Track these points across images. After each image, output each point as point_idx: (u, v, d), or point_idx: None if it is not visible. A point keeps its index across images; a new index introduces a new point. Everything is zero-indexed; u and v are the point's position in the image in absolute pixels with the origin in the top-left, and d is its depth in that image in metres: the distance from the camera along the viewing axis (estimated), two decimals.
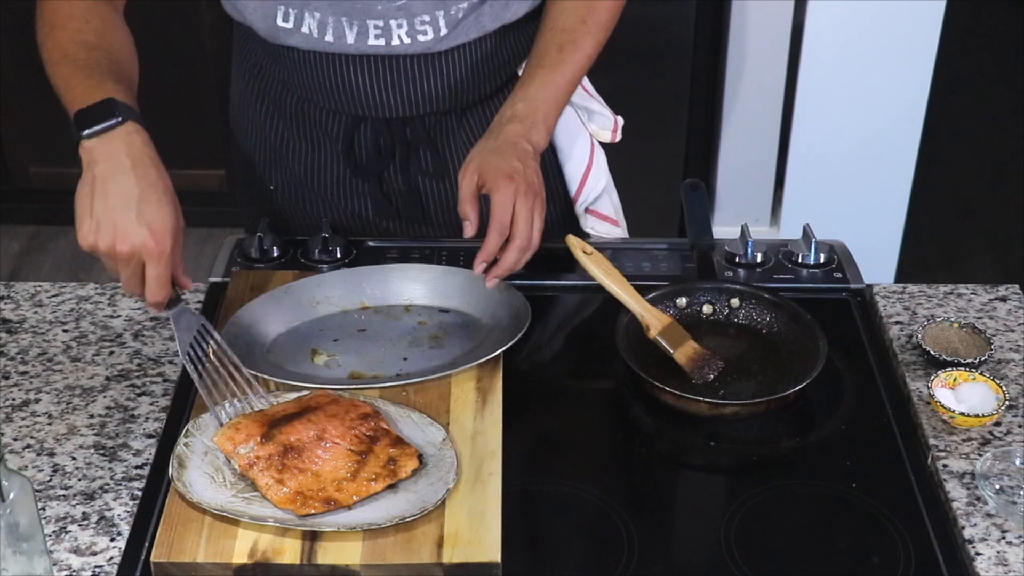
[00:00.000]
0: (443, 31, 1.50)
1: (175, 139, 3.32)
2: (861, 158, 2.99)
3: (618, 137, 1.72)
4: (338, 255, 1.60)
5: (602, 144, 1.72)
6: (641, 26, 2.91)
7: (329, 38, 1.50)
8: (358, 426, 1.25)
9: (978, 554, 1.20)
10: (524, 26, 1.59)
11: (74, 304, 1.54)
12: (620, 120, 1.72)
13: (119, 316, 1.50)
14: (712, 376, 1.40)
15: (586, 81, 1.69)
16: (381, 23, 1.48)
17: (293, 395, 1.33)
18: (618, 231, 1.74)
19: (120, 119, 1.30)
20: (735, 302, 1.50)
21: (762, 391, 1.39)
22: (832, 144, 2.99)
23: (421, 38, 1.49)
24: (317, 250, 1.60)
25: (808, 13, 2.85)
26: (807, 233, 1.63)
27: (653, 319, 1.42)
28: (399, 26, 1.48)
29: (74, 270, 3.34)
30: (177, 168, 3.61)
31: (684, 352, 1.41)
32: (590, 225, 1.71)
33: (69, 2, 1.47)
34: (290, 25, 1.50)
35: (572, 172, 1.67)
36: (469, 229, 1.42)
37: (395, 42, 1.49)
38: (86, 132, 1.31)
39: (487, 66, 1.58)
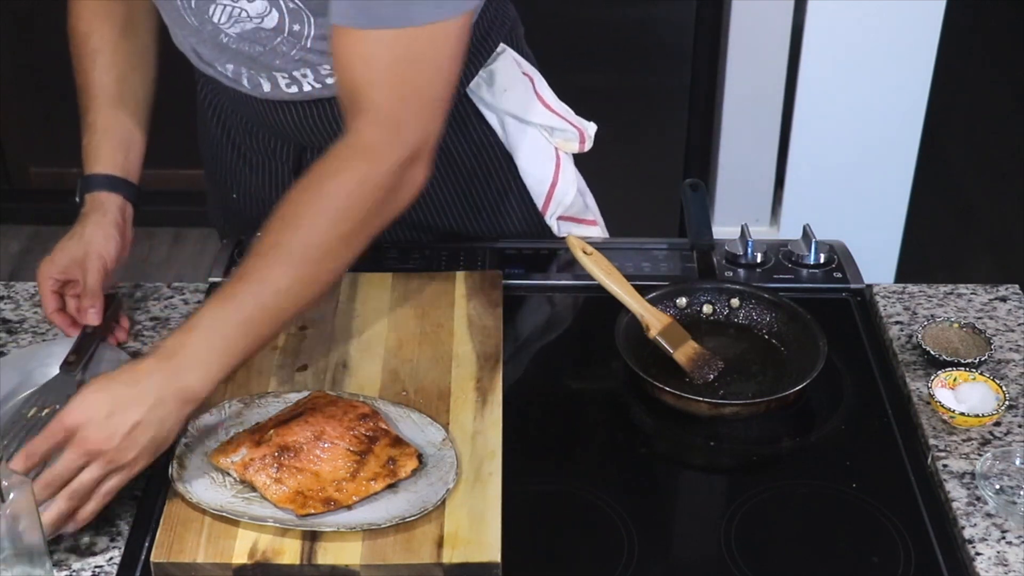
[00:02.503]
0: None
1: (175, 139, 3.33)
2: (861, 158, 2.99)
3: (587, 146, 1.68)
4: None
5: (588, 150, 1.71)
6: (641, 26, 2.91)
7: (246, 86, 1.48)
8: (357, 426, 1.25)
9: (978, 554, 1.20)
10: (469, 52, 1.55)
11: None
12: (591, 128, 1.67)
13: (122, 309, 1.50)
14: (712, 376, 1.40)
15: (549, 96, 1.63)
16: (286, 75, 1.45)
17: (291, 397, 1.32)
18: (597, 231, 1.73)
19: (78, 199, 1.53)
20: (735, 302, 1.50)
21: (762, 391, 1.39)
22: (832, 144, 2.99)
23: (330, 80, 1.44)
24: None
25: (808, 13, 2.85)
26: (807, 233, 1.63)
27: (653, 319, 1.42)
28: (304, 76, 1.45)
29: None
30: (177, 168, 3.62)
31: (684, 352, 1.41)
32: (565, 231, 1.69)
33: (93, 35, 1.57)
34: (210, 71, 1.50)
35: (535, 188, 1.64)
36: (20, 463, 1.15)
37: (307, 88, 1.46)
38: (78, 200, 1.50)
39: None
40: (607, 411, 1.42)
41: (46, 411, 1.33)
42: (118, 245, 1.49)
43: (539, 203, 1.66)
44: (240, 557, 1.15)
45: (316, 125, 1.52)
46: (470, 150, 1.61)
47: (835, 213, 2.84)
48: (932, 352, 1.43)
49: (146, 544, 1.20)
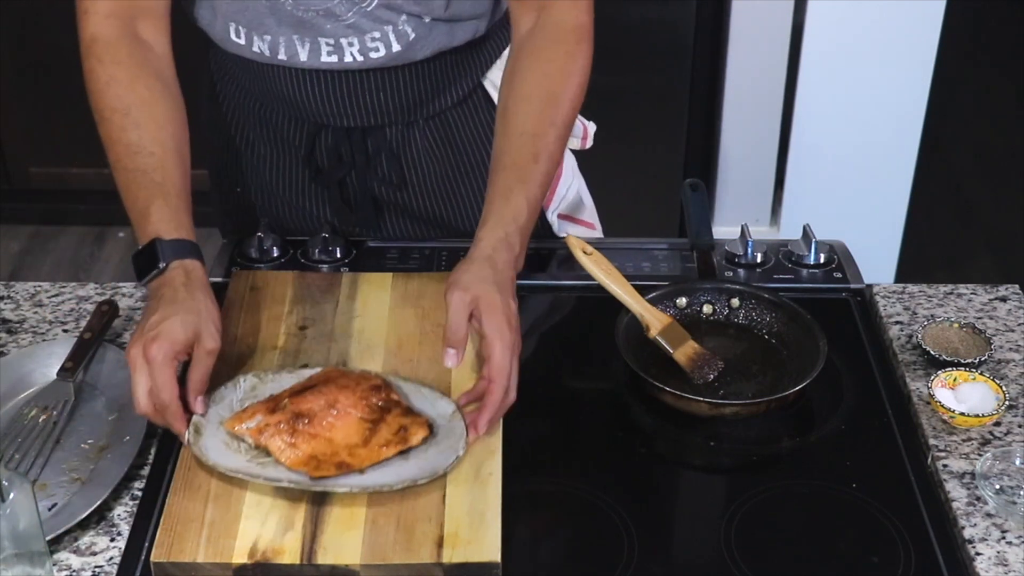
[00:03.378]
0: (395, 48, 1.47)
1: None
2: (861, 158, 2.99)
3: (588, 144, 1.70)
4: (338, 255, 1.60)
5: (582, 150, 1.72)
6: (641, 26, 2.91)
7: (282, 56, 1.49)
8: (370, 397, 1.28)
9: (978, 554, 1.20)
10: (482, 43, 1.57)
11: (74, 304, 1.54)
12: (591, 127, 1.69)
13: (119, 316, 1.50)
14: (712, 376, 1.40)
15: None
16: (332, 41, 1.46)
17: (304, 373, 1.35)
18: (594, 234, 1.74)
19: (163, 266, 1.33)
20: (735, 302, 1.50)
21: (762, 391, 1.39)
22: (832, 144, 2.99)
23: (374, 55, 1.47)
24: (317, 250, 1.60)
25: (808, 13, 2.85)
26: (807, 233, 1.63)
27: (653, 319, 1.42)
28: (350, 44, 1.46)
29: (74, 270, 3.34)
30: None
31: (684, 352, 1.41)
32: (564, 231, 1.70)
33: (107, 79, 1.48)
34: (243, 42, 1.50)
35: None
36: (454, 359, 1.29)
37: (348, 59, 1.48)
38: (143, 281, 1.35)
39: (445, 78, 1.56)
40: (607, 411, 1.42)
41: (45, 414, 1.33)
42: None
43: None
44: (240, 557, 1.15)
45: (340, 100, 1.52)
46: (478, 138, 1.63)
47: (835, 213, 2.84)
48: (932, 352, 1.43)
49: (146, 544, 1.20)
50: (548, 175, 1.42)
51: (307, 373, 1.35)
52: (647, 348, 1.42)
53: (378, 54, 1.47)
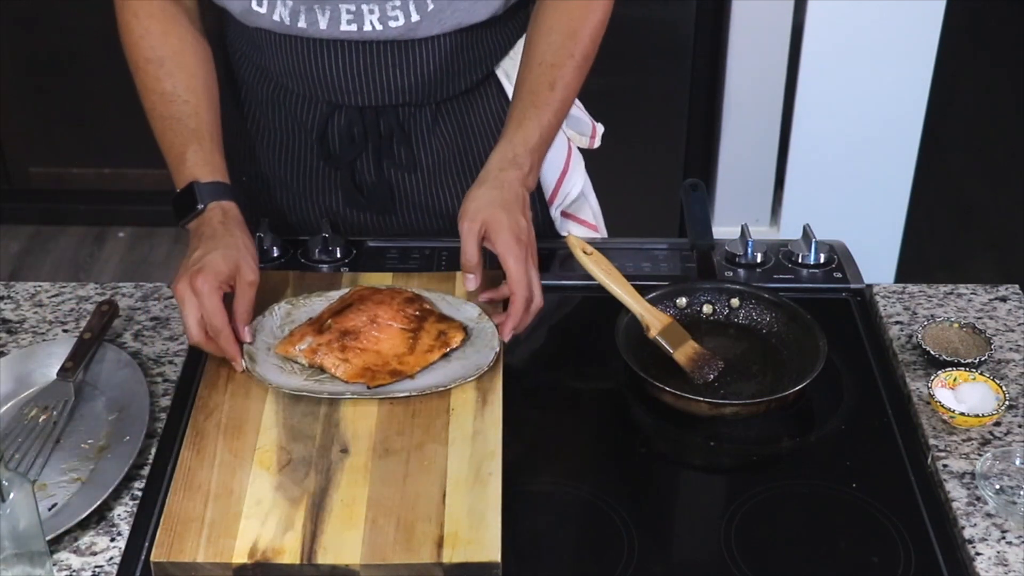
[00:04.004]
0: (414, 17, 1.49)
1: None
2: (861, 158, 2.99)
3: (596, 143, 1.72)
4: (338, 255, 1.60)
5: (586, 150, 1.72)
6: (641, 26, 2.91)
7: (302, 24, 1.50)
8: (405, 308, 1.39)
9: (978, 554, 1.20)
10: (499, 26, 1.58)
11: (74, 304, 1.55)
12: (599, 127, 1.71)
13: (119, 316, 1.50)
14: (712, 376, 1.40)
15: None
16: (353, 7, 1.48)
17: (333, 295, 1.45)
18: (596, 234, 1.74)
19: (202, 207, 1.43)
20: (735, 302, 1.50)
21: (762, 391, 1.39)
22: (832, 144, 2.99)
23: (393, 24, 1.49)
24: (317, 250, 1.60)
25: (808, 13, 2.85)
26: (807, 233, 1.63)
27: (653, 319, 1.42)
28: (371, 12, 1.48)
29: (74, 270, 3.34)
30: None
31: (684, 352, 1.41)
32: (567, 229, 1.70)
33: (141, 32, 1.53)
34: (263, 10, 1.50)
35: (547, 175, 1.66)
36: (472, 283, 1.39)
37: (367, 28, 1.49)
38: (181, 223, 1.46)
39: (461, 60, 1.57)
40: (607, 411, 1.42)
41: (45, 414, 1.33)
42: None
43: (548, 191, 1.67)
44: (240, 557, 1.15)
45: (356, 74, 1.54)
46: (487, 127, 1.64)
47: (835, 213, 2.84)
48: (932, 352, 1.43)
49: (146, 544, 1.20)
50: (564, 103, 1.50)
51: (336, 295, 1.45)
52: (647, 348, 1.42)
53: (397, 23, 1.49)
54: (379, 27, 1.49)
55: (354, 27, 1.49)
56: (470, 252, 1.38)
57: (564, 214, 1.71)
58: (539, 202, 1.69)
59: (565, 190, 1.68)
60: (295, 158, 1.66)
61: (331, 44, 1.52)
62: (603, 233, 1.77)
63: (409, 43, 1.52)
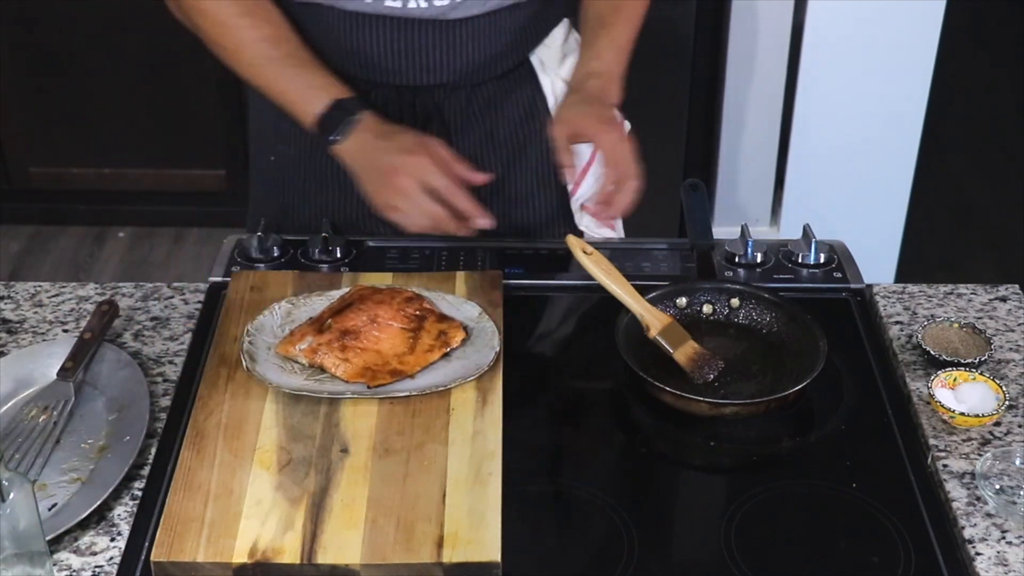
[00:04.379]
0: None
1: (175, 139, 3.34)
2: (861, 158, 2.99)
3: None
4: (338, 255, 1.60)
5: None
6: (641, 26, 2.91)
7: None
8: (405, 308, 1.40)
9: (978, 554, 1.20)
10: (536, 12, 1.61)
11: (74, 304, 1.54)
12: (627, 124, 1.72)
13: (119, 316, 1.50)
14: (712, 376, 1.40)
15: None
16: None
17: (333, 294, 1.45)
18: (612, 234, 1.74)
19: (358, 116, 1.49)
20: (735, 302, 1.50)
21: (762, 391, 1.39)
22: (832, 144, 2.99)
23: (437, 2, 1.51)
24: (317, 250, 1.60)
25: (808, 13, 2.85)
26: (807, 233, 1.63)
27: (653, 319, 1.43)
28: None
29: (74, 270, 3.34)
30: (177, 168, 3.62)
31: (684, 352, 1.41)
32: (585, 224, 1.71)
33: (220, 5, 1.55)
34: None
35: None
36: (570, 175, 1.52)
37: (411, 4, 1.51)
38: (333, 138, 1.49)
39: (498, 43, 1.59)
40: (607, 411, 1.42)
41: (45, 414, 1.33)
42: None
43: (570, 183, 1.68)
44: (240, 556, 1.15)
45: (396, 52, 1.55)
46: (519, 114, 1.66)
47: (835, 213, 2.84)
48: (932, 352, 1.43)
49: (146, 544, 1.20)
50: (632, 22, 1.61)
51: (336, 294, 1.46)
52: (647, 348, 1.42)
53: (441, 1, 1.50)
54: (423, 4, 1.51)
55: (398, 3, 1.51)
56: (562, 151, 1.49)
57: (583, 207, 1.71)
58: (559, 194, 1.69)
59: (588, 184, 1.69)
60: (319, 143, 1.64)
61: (374, 21, 1.53)
62: (620, 232, 1.76)
63: (450, 23, 1.54)
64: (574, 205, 1.71)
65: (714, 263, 1.60)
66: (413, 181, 1.43)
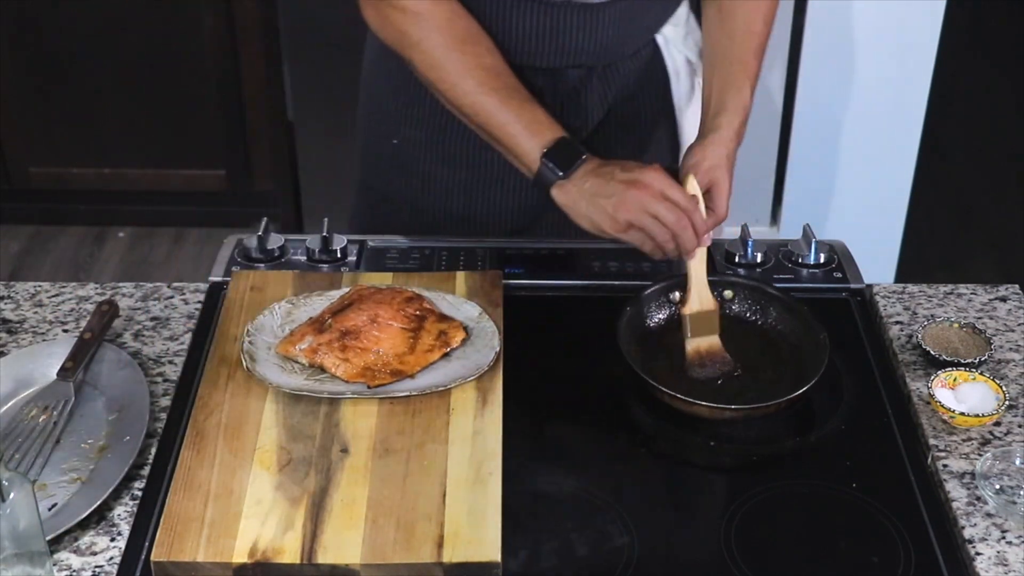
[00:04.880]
0: None
1: (175, 139, 3.34)
2: (861, 158, 2.99)
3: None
4: (338, 255, 1.60)
5: None
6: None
7: None
8: (405, 308, 1.40)
9: (978, 554, 1.20)
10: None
11: (74, 304, 1.54)
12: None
13: (119, 316, 1.50)
14: (711, 374, 1.40)
15: None
16: None
17: (334, 294, 1.46)
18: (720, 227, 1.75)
19: (585, 157, 1.46)
20: (728, 293, 1.50)
21: (763, 395, 1.38)
22: (832, 144, 2.99)
23: None
24: (317, 249, 1.60)
25: (808, 13, 2.85)
26: (807, 233, 1.63)
27: (697, 297, 1.43)
28: None
29: (74, 270, 3.34)
30: (177, 168, 3.62)
31: (697, 344, 1.41)
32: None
33: (448, 14, 1.53)
34: None
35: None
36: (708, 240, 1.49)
37: None
38: (562, 174, 1.46)
39: (635, 25, 1.61)
40: (607, 411, 1.42)
41: (45, 414, 1.33)
42: None
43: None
44: (240, 556, 1.15)
45: (542, 35, 1.57)
46: (643, 90, 1.67)
47: (835, 213, 2.84)
48: (932, 352, 1.43)
49: (146, 544, 1.20)
50: (761, 64, 1.60)
51: (336, 294, 1.46)
52: (648, 343, 1.42)
53: None
54: None
55: None
56: (693, 191, 1.47)
57: None
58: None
59: None
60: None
61: (521, 5, 1.54)
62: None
63: (592, 6, 1.55)
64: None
65: (714, 261, 1.59)
66: (658, 192, 1.41)
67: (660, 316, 1.49)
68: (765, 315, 1.49)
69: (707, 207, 1.47)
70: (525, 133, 1.48)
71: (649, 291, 1.46)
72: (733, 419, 1.36)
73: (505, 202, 1.69)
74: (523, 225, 1.71)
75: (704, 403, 1.35)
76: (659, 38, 1.67)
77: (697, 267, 1.44)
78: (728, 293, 1.50)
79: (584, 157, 1.46)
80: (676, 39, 1.68)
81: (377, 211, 1.79)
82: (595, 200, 1.43)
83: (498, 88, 1.50)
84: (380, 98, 1.73)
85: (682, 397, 1.34)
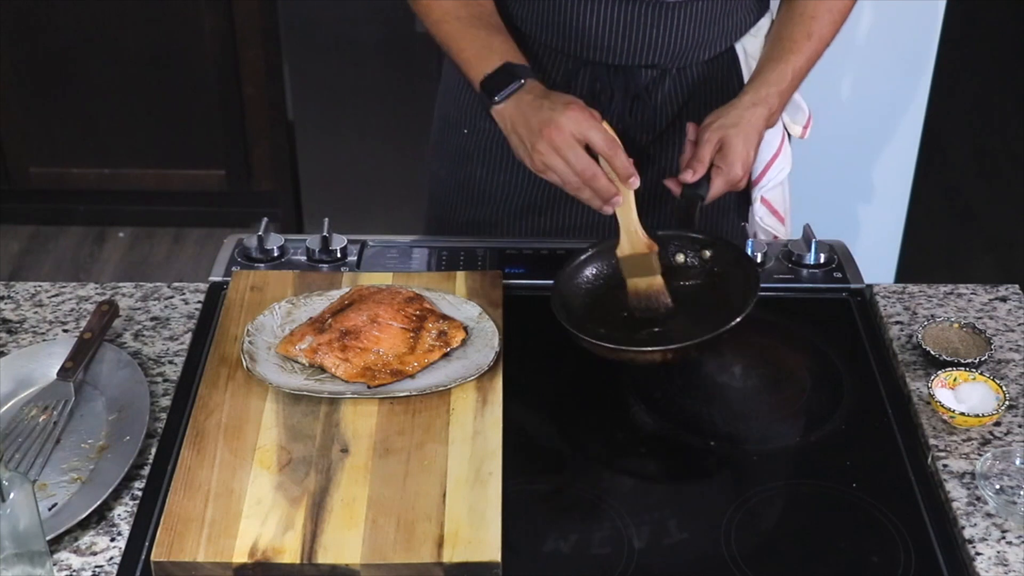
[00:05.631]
0: None
1: (175, 139, 3.34)
2: (861, 158, 2.99)
3: (807, 135, 1.76)
4: (338, 255, 1.60)
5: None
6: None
7: None
8: (405, 308, 1.40)
9: (978, 554, 1.20)
10: (750, 3, 1.64)
11: (74, 304, 1.55)
12: (811, 119, 1.74)
13: (119, 316, 1.50)
14: (649, 311, 1.41)
15: None
16: None
17: (334, 294, 1.46)
18: (783, 229, 1.75)
19: (523, 82, 1.48)
20: (706, 254, 1.50)
21: (691, 336, 1.37)
22: (832, 144, 2.99)
23: None
24: (318, 249, 1.60)
25: None
26: (807, 233, 1.63)
27: (628, 240, 1.43)
28: None
29: (74, 270, 3.34)
30: (177, 168, 3.62)
31: (636, 284, 1.43)
32: (759, 216, 1.72)
33: None
34: None
35: (760, 156, 1.68)
36: (691, 176, 1.50)
37: None
38: (496, 99, 1.49)
39: (712, 29, 1.61)
40: (607, 411, 1.42)
41: (45, 414, 1.33)
42: None
43: (755, 172, 1.70)
44: (240, 556, 1.15)
45: (614, 31, 1.57)
46: (718, 99, 1.65)
47: (835, 213, 2.84)
48: (932, 352, 1.43)
49: (146, 544, 1.20)
50: (816, 53, 1.60)
51: (336, 294, 1.46)
52: (592, 297, 1.44)
53: None
54: None
55: None
56: (703, 155, 1.50)
57: (763, 199, 1.72)
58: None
59: (772, 174, 1.71)
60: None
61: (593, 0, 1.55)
62: (788, 230, 1.78)
63: (670, 5, 1.55)
64: (755, 194, 1.71)
65: (695, 214, 1.56)
66: (570, 136, 1.41)
67: (592, 272, 1.50)
68: (703, 261, 1.49)
69: (717, 166, 1.49)
70: (474, 60, 1.52)
71: (582, 257, 1.47)
72: (666, 361, 1.36)
73: (567, 197, 1.68)
74: (590, 220, 1.71)
75: (625, 348, 1.36)
76: (738, 47, 1.67)
77: (624, 211, 1.44)
78: (706, 253, 1.49)
79: (521, 82, 1.47)
80: (755, 51, 1.68)
81: (442, 203, 1.79)
82: (519, 133, 1.45)
83: (462, 17, 1.54)
84: (457, 93, 1.74)
85: (608, 345, 1.35)
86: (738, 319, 1.34)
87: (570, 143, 1.40)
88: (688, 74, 1.64)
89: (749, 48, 1.67)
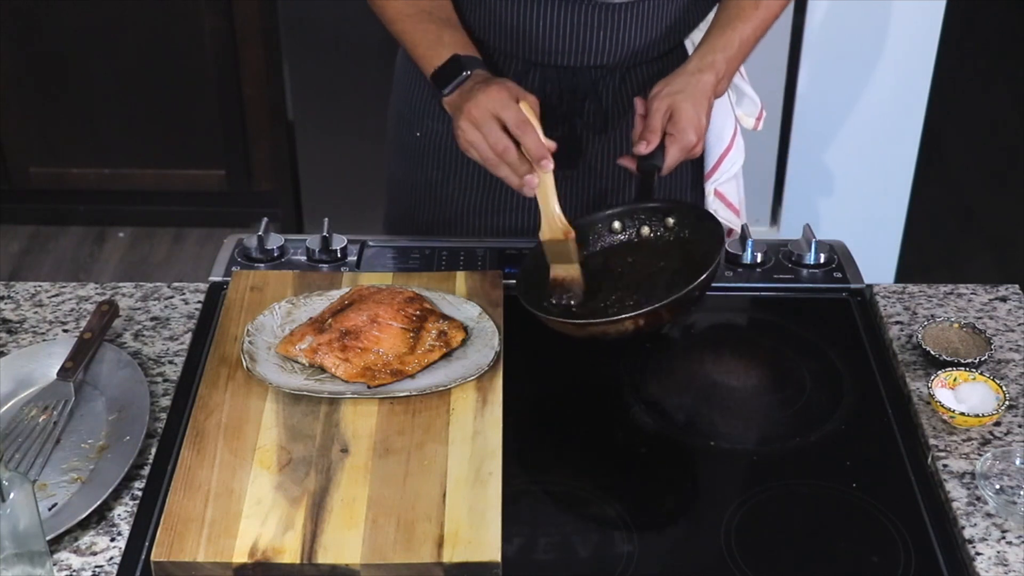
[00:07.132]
0: None
1: (175, 139, 3.34)
2: (861, 158, 2.99)
3: (760, 126, 1.76)
4: (338, 255, 1.60)
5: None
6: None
7: None
8: (406, 308, 1.40)
9: (978, 554, 1.20)
10: (698, 1, 1.63)
11: (74, 304, 1.55)
12: (764, 111, 1.74)
13: (119, 316, 1.50)
14: (560, 302, 1.43)
15: None
16: None
17: (334, 294, 1.46)
18: (737, 221, 1.76)
19: (468, 73, 1.50)
20: (616, 225, 1.51)
21: (644, 301, 1.38)
22: (832, 144, 2.99)
23: None
24: (317, 249, 1.60)
25: (808, 13, 2.85)
26: (807, 233, 1.63)
27: (547, 225, 1.43)
28: None
29: (74, 270, 3.34)
30: (177, 168, 3.62)
31: (555, 271, 1.44)
32: (714, 208, 1.72)
33: None
34: None
35: (712, 149, 1.69)
36: (645, 148, 1.49)
37: None
38: (445, 92, 1.52)
39: (659, 27, 1.60)
40: (607, 411, 1.42)
41: (45, 414, 1.33)
42: None
43: (708, 165, 1.70)
44: (240, 556, 1.15)
45: (562, 35, 1.57)
46: None
47: (835, 213, 2.84)
48: (932, 352, 1.43)
49: (146, 544, 1.20)
50: (764, 22, 1.60)
51: (336, 294, 1.46)
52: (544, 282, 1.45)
53: None
54: None
55: None
56: (653, 125, 1.49)
57: (718, 193, 1.72)
58: (694, 176, 1.71)
59: (725, 167, 1.71)
60: None
61: (541, 3, 1.55)
62: (743, 221, 1.77)
63: (615, 6, 1.55)
64: (708, 187, 1.71)
65: (653, 184, 1.56)
66: (486, 112, 1.43)
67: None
68: (668, 229, 1.50)
69: (669, 134, 1.48)
70: (426, 55, 1.54)
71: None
72: (639, 329, 1.36)
73: (523, 196, 1.68)
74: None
75: (567, 320, 1.38)
76: (687, 43, 1.67)
77: (542, 195, 1.44)
78: (670, 220, 1.51)
79: (467, 73, 1.50)
80: (698, 39, 1.67)
81: (401, 203, 1.79)
82: (455, 117, 1.47)
83: (412, 14, 1.56)
84: (408, 91, 1.74)
85: (575, 322, 1.37)
86: (703, 276, 1.35)
87: (486, 119, 1.43)
88: (638, 72, 1.65)
89: (697, 41, 1.66)
